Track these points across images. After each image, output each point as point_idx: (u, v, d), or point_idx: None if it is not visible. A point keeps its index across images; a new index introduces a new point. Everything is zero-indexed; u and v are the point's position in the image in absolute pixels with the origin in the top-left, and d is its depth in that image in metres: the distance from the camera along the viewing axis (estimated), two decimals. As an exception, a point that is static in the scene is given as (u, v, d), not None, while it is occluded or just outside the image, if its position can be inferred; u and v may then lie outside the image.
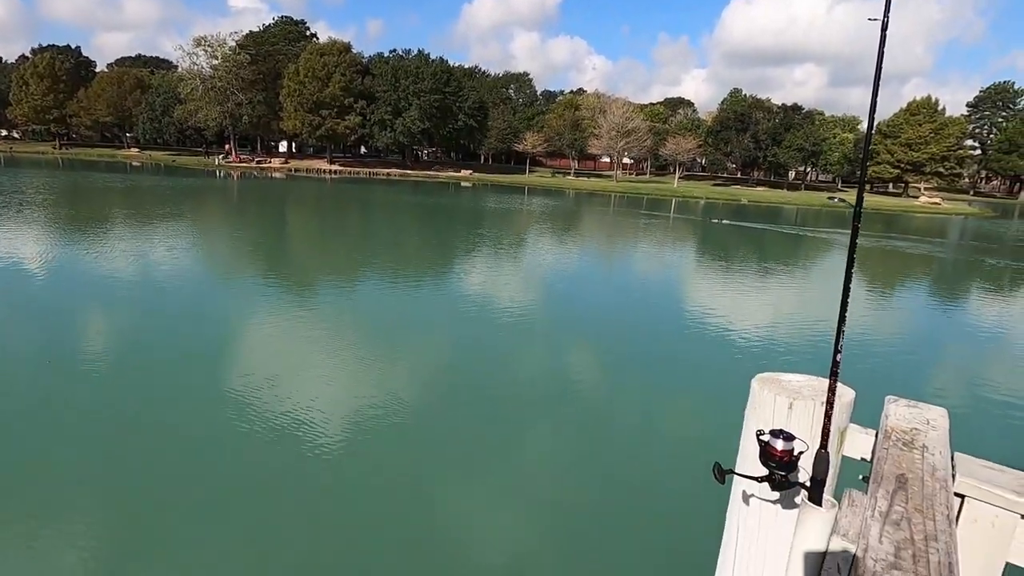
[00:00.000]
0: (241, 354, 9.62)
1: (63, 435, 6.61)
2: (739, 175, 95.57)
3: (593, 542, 5.29)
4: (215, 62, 75.93)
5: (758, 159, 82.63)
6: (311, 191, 47.47)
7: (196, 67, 76.55)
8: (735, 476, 2.23)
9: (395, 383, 8.54)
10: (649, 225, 35.21)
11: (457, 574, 4.84)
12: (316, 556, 4.93)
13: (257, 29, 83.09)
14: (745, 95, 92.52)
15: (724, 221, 38.93)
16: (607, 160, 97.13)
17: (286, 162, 78.84)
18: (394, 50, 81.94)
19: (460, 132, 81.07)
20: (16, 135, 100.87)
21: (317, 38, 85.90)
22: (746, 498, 2.29)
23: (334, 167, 76.07)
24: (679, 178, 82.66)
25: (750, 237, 32.15)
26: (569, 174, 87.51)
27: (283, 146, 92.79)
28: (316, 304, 13.08)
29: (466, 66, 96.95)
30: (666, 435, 7.54)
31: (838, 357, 1.69)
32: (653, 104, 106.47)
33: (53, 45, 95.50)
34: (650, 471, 6.59)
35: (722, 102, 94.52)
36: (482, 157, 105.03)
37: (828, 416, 1.77)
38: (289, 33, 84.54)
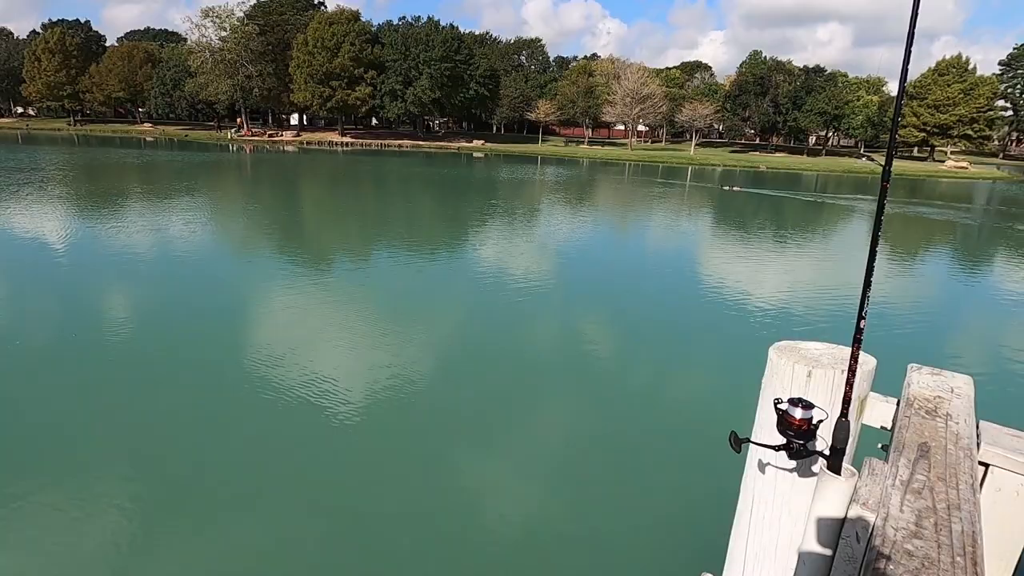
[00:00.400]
0: (258, 326, 9.76)
1: (88, 405, 6.81)
2: (757, 141, 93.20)
3: (607, 510, 5.36)
4: (223, 33, 75.19)
5: (777, 124, 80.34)
6: (323, 164, 47.36)
7: (205, 39, 75.93)
8: (751, 445, 2.20)
9: (410, 353, 8.62)
10: (664, 194, 34.66)
11: (472, 542, 4.94)
12: (332, 522, 5.06)
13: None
14: (765, 57, 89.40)
15: (735, 188, 38.17)
16: (621, 128, 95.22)
17: (298, 135, 78.53)
18: (403, 17, 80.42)
19: (471, 101, 79.79)
20: (32, 112, 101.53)
21: (325, 6, 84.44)
22: (762, 467, 2.27)
23: (346, 139, 75.65)
24: (695, 145, 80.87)
25: (768, 204, 31.52)
26: (583, 143, 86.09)
27: (294, 119, 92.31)
28: (331, 277, 13.17)
29: (477, 33, 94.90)
30: (680, 404, 7.54)
31: (862, 324, 1.63)
32: (669, 69, 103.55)
33: (63, 20, 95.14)
34: (664, 440, 6.62)
35: (741, 65, 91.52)
36: (494, 127, 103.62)
37: (850, 384, 1.72)
38: (297, 2, 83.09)
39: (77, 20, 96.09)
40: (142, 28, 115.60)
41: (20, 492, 5.19)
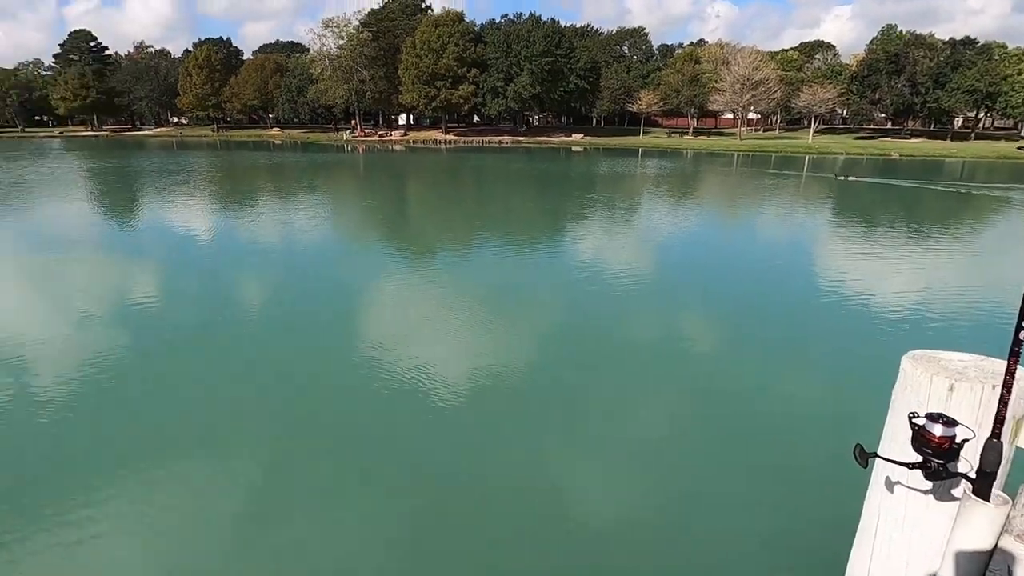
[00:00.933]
0: (366, 313, 10.47)
1: (217, 381, 7.71)
2: (889, 126, 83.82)
3: (706, 517, 5.17)
4: (341, 42, 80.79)
5: (914, 106, 71.61)
6: (428, 161, 49.46)
7: (325, 48, 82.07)
8: (879, 460, 2.04)
9: (507, 344, 8.81)
10: (778, 185, 32.29)
11: (559, 533, 4.99)
12: (428, 505, 5.33)
13: (377, 6, 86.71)
14: (901, 31, 79.98)
15: (851, 178, 34.57)
16: (730, 116, 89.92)
17: (405, 134, 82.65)
18: (505, 15, 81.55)
19: (571, 95, 79.29)
20: (184, 121, 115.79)
21: (432, 9, 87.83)
22: (891, 485, 2.09)
23: (449, 137, 78.42)
24: (815, 132, 74.38)
25: (900, 196, 28.30)
26: (687, 133, 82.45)
27: (402, 119, 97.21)
28: (433, 269, 13.78)
29: (578, 26, 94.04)
30: (793, 410, 7.05)
31: (1022, 335, 1.45)
32: (786, 51, 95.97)
33: (209, 38, 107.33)
34: (774, 446, 6.24)
35: (871, 42, 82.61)
36: (594, 120, 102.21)
37: (1004, 402, 1.54)
38: (406, 7, 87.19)
39: (220, 38, 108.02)
40: (272, 41, 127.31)
41: (167, 462, 6.02)
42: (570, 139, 76.00)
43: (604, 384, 7.68)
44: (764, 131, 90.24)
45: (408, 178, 37.34)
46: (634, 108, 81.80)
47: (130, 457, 5.93)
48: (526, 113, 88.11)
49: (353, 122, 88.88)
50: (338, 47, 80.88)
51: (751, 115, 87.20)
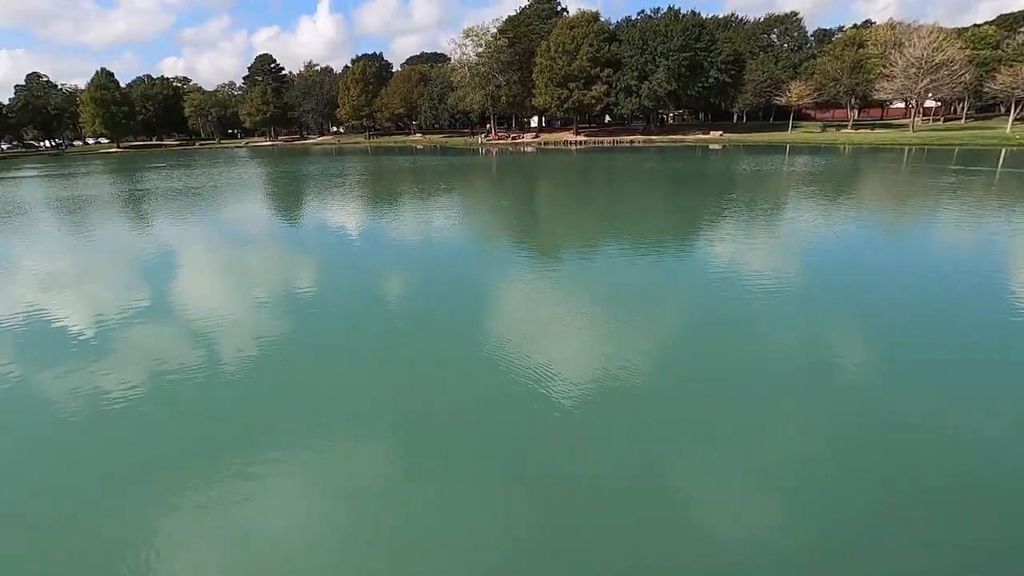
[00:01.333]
0: (493, 312, 10.86)
1: (354, 366, 8.48)
2: (1125, 109, 67.69)
3: (857, 548, 4.64)
4: (479, 50, 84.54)
5: None
6: (558, 162, 49.93)
7: (464, 56, 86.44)
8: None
9: (635, 350, 8.62)
10: (960, 184, 27.71)
11: (683, 552, 4.78)
12: (546, 513, 5.39)
13: (514, 13, 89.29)
14: None
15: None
16: (900, 106, 79.02)
17: (536, 136, 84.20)
18: (642, 11, 79.48)
19: (710, 90, 75.07)
20: (341, 130, 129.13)
21: (567, 12, 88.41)
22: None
23: (580, 138, 78.41)
24: (1014, 120, 62.55)
25: None
26: (846, 127, 73.96)
27: (534, 121, 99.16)
28: (559, 269, 13.89)
29: (721, 16, 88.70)
30: (977, 445, 6.06)
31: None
32: (977, 26, 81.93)
33: (364, 54, 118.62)
34: (950, 483, 5.41)
35: (1101, 8, 67.41)
36: (734, 116, 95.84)
37: None
38: (542, 11, 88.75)
39: (374, 53, 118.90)
40: (418, 53, 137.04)
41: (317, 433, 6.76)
42: (707, 136, 72.00)
43: (735, 396, 7.21)
44: (945, 120, 77.94)
45: (536, 179, 38.01)
46: (782, 101, 75.24)
47: (281, 438, 6.79)
48: (660, 111, 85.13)
49: (488, 126, 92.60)
50: (476, 55, 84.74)
51: (928, 103, 75.83)
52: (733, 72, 74.44)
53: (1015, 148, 47.13)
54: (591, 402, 7.08)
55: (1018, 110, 63.95)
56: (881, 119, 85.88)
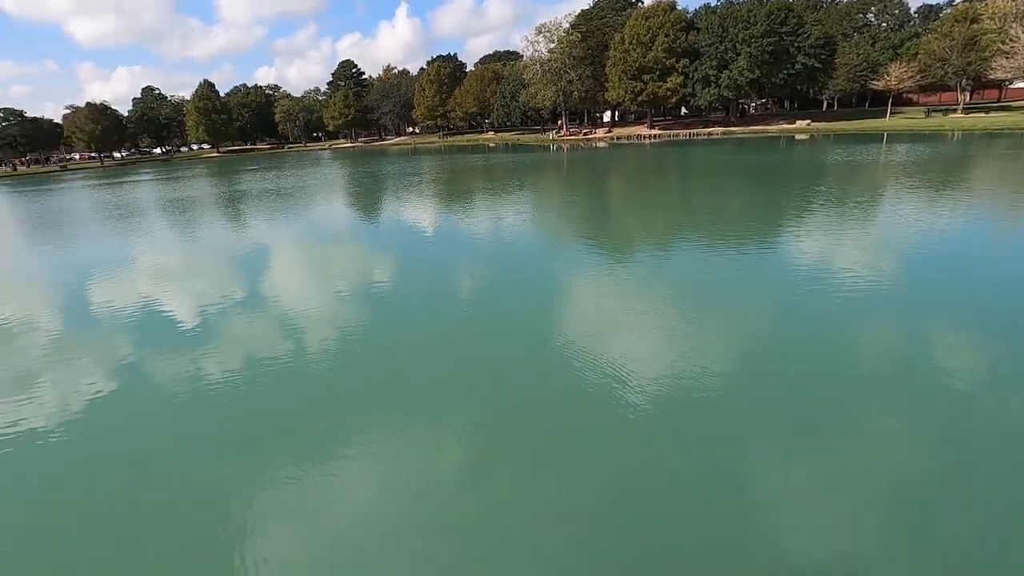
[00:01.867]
0: (565, 309, 10.90)
1: (431, 360, 8.79)
2: None
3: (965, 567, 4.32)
4: (552, 46, 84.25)
5: None
6: (628, 157, 48.97)
7: (537, 53, 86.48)
8: None
9: (710, 351, 8.38)
10: (1094, 172, 24.41)
11: (769, 566, 4.63)
12: (618, 514, 5.39)
13: (587, 7, 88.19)
14: None
15: None
16: (1022, 86, 70.63)
17: (609, 131, 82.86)
18: (722, -3, 75.91)
19: (797, 77, 70.58)
20: (416, 130, 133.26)
21: (642, 2, 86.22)
22: None
23: (653, 131, 76.37)
24: None
25: None
26: (955, 111, 67.17)
27: (607, 116, 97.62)
28: (628, 265, 13.68)
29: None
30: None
31: None
32: (1123, -10, 71.44)
33: (439, 56, 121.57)
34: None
35: None
36: (824, 103, 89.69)
37: None
38: (616, 3, 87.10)
39: (449, 54, 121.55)
40: (491, 52, 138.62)
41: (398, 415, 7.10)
42: (793, 126, 67.84)
43: (822, 400, 6.85)
44: (1078, 101, 68.87)
45: (607, 174, 37.46)
46: (879, 85, 69.39)
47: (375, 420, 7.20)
48: (741, 101, 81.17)
49: (560, 122, 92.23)
50: (549, 51, 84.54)
51: (1057, 81, 67.24)
52: (823, 56, 69.54)
53: None
54: (668, 402, 6.97)
55: None
56: (998, 101, 77.23)
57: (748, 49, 66.94)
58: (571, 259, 14.85)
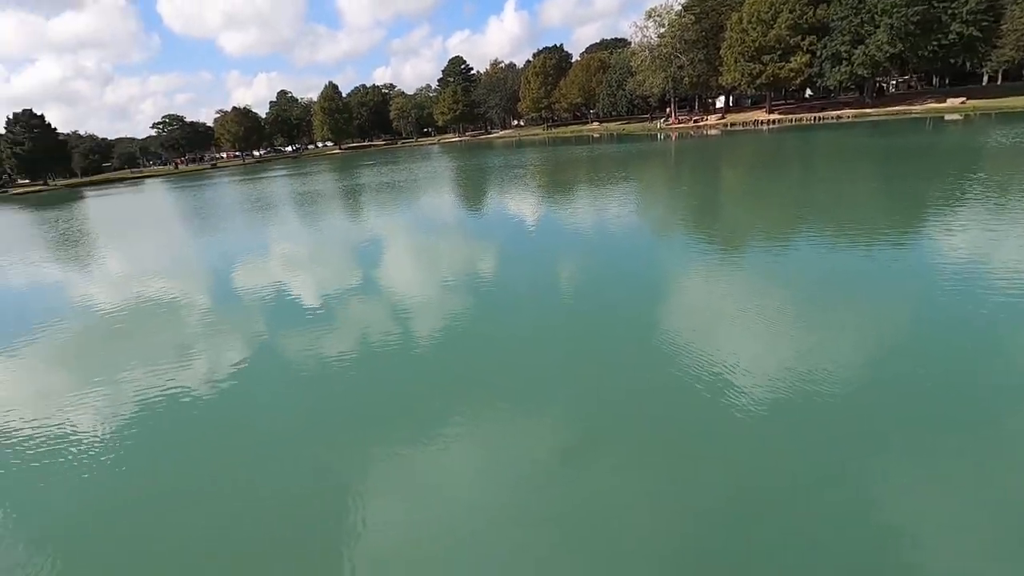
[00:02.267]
0: (670, 304, 10.57)
1: (535, 352, 8.91)
2: None
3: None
4: (662, 30, 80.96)
5: None
6: (745, 144, 45.95)
7: (646, 39, 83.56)
8: None
9: (832, 351, 7.74)
10: None
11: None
12: (731, 514, 5.18)
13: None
14: None
15: None
16: None
17: (722, 117, 78.25)
18: (860, -36, 68.17)
19: (950, 49, 61.86)
20: (521, 123, 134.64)
21: (764, -23, 79.88)
22: None
23: (773, 116, 70.97)
24: None
25: None
26: None
27: (720, 101, 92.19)
28: (740, 261, 12.92)
29: (970, -45, 72.12)
30: None
31: None
32: None
33: (545, 47, 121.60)
34: None
35: None
36: (984, 77, 77.78)
37: None
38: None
39: (555, 45, 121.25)
40: (598, 40, 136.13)
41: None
42: (943, 105, 59.68)
43: (962, 411, 6.10)
44: None
45: (717, 164, 35.45)
46: (1059, 53, 58.82)
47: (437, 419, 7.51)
48: (878, 79, 72.75)
49: (668, 110, 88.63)
50: (659, 35, 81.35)
51: None
52: (985, 23, 60.22)
53: None
54: (787, 402, 6.57)
55: None
56: None
57: (889, 20, 59.72)
58: (677, 252, 14.32)
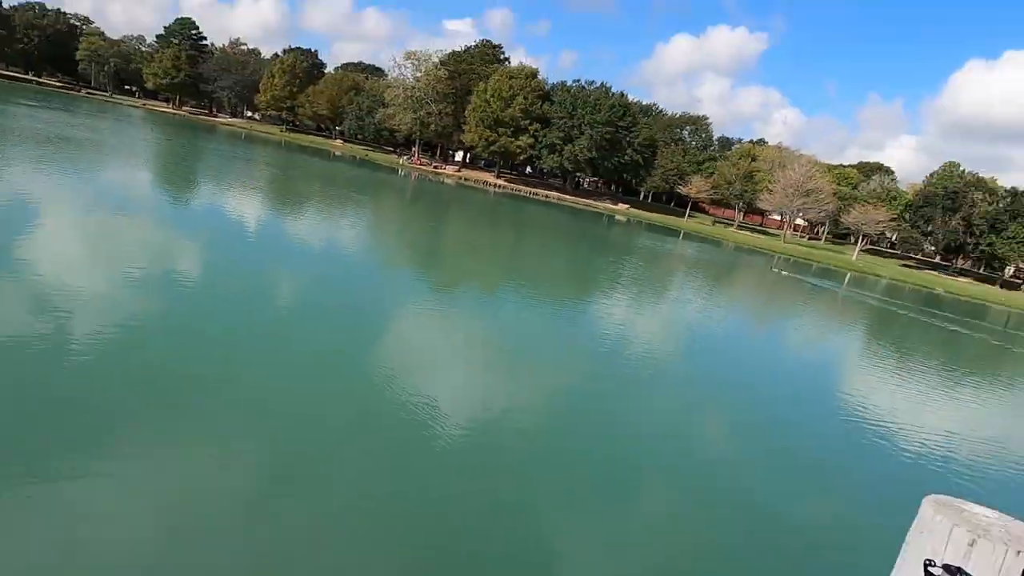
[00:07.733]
0: (378, 336, 10.50)
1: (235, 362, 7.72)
2: (938, 260, 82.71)
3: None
4: (418, 74, 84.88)
5: (966, 246, 70.79)
6: (472, 201, 50.68)
7: (402, 77, 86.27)
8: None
9: (518, 391, 8.66)
10: (814, 295, 31.86)
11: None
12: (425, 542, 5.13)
13: (459, 49, 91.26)
14: (963, 171, 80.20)
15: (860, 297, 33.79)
16: (777, 217, 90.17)
17: (459, 170, 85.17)
18: (577, 80, 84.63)
19: (625, 167, 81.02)
20: (256, 117, 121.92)
21: (509, 61, 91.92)
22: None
23: (499, 181, 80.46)
24: (860, 251, 73.76)
25: (939, 334, 27.56)
26: (732, 225, 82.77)
27: (459, 155, 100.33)
28: (450, 305, 13.83)
29: (645, 103, 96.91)
30: (805, 538, 6.69)
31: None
32: (844, 166, 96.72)
33: (299, 47, 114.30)
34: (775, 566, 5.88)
35: (931, 175, 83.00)
36: (642, 194, 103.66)
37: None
38: (486, 55, 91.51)
39: (309, 49, 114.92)
40: (356, 61, 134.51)
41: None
42: (615, 207, 77.16)
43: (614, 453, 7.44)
44: (809, 239, 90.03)
45: (449, 212, 38.18)
46: (683, 191, 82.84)
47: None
48: (578, 174, 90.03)
49: (413, 149, 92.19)
50: (415, 78, 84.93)
51: (799, 220, 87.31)
52: (646, 155, 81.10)
53: (857, 273, 55.39)
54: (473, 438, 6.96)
55: (864, 242, 75.75)
56: (761, 225, 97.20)
57: (591, 131, 75.16)
58: (392, 288, 14.52)
